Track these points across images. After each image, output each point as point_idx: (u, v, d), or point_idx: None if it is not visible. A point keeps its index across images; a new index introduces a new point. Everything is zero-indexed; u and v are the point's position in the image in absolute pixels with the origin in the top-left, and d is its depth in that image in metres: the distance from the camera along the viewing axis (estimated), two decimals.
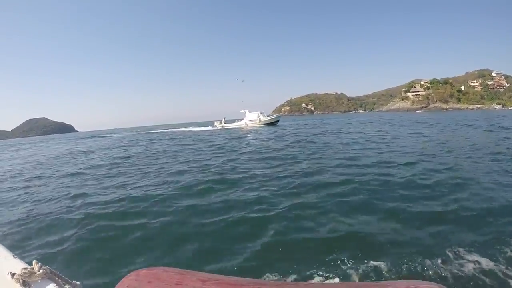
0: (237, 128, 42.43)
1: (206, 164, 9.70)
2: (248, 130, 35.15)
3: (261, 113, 45.85)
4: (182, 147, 17.40)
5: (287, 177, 7.04)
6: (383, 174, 6.88)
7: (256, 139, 20.30)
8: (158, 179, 7.79)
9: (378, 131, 21.10)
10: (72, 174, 9.81)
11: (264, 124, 43.02)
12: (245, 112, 46.53)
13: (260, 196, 5.58)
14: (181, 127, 63.75)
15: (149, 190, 6.56)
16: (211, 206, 5.15)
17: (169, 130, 54.61)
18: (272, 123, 43.49)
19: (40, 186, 8.28)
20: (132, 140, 29.21)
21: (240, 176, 7.51)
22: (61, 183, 8.48)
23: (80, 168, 11.00)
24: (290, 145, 14.64)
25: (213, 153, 13.03)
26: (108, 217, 4.91)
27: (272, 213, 4.60)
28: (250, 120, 44.49)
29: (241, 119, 46.99)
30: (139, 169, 9.82)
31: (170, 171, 8.86)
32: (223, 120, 47.59)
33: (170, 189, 6.54)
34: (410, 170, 7.11)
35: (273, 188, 6.11)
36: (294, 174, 7.34)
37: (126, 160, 12.70)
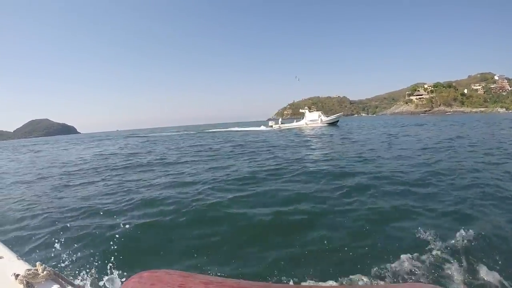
0: (297, 128, 40.74)
1: None
2: (315, 130, 32.98)
3: (322, 113, 45.14)
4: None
5: None
6: None
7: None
8: None
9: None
10: None
11: (325, 124, 42.01)
12: (305, 112, 45.69)
13: None
14: (212, 128, 59.78)
15: None
16: None
17: (215, 130, 50.13)
18: (333, 123, 42.70)
19: None
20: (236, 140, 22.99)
21: None
22: None
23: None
24: None
25: None
26: None
27: None
28: (310, 120, 43.20)
29: (297, 119, 46.22)
30: None
31: None
32: (279, 120, 46.50)
33: None
34: None
35: None
36: None
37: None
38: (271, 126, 43.20)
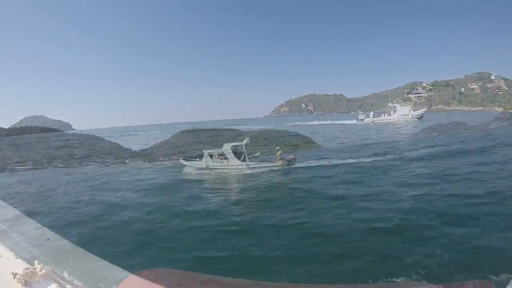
0: (390, 122, 41.28)
1: None
2: (410, 124, 33.16)
3: (411, 107, 46.32)
4: None
5: None
6: None
7: None
8: None
9: None
10: None
11: (415, 118, 42.79)
12: (395, 106, 46.17)
13: None
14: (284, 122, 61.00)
15: None
16: None
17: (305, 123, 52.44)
18: (419, 118, 43.63)
19: None
20: None
21: None
22: None
23: None
24: None
25: None
26: None
27: None
28: (401, 115, 43.66)
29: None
30: None
31: None
32: (371, 114, 46.60)
33: None
34: None
35: None
36: None
37: None
38: (362, 120, 44.19)
